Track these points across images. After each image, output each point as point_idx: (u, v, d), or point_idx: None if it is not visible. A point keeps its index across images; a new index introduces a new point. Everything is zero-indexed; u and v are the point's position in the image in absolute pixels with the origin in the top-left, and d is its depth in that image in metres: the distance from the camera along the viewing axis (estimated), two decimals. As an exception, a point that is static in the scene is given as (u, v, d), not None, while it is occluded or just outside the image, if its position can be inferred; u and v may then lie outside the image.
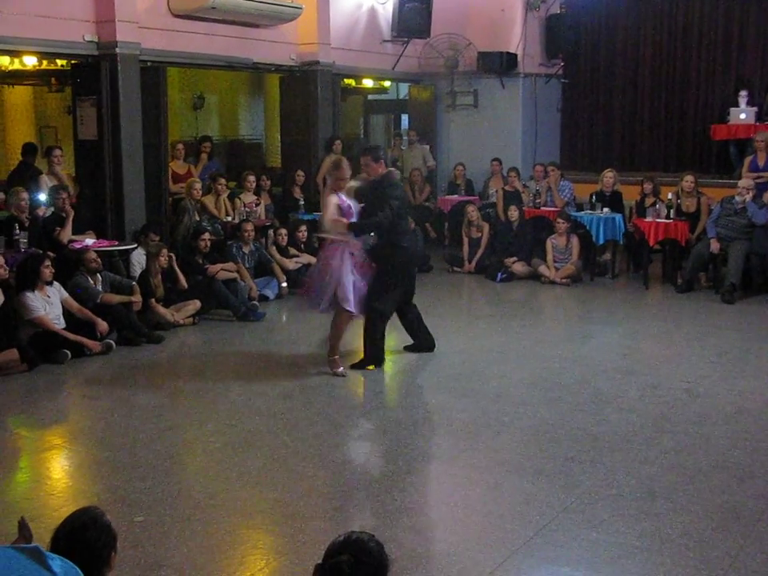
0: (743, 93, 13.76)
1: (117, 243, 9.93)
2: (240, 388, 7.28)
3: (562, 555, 4.37)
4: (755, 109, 13.67)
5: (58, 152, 10.38)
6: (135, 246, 9.91)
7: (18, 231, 8.91)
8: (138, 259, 9.77)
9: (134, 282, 9.13)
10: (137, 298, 8.81)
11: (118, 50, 10.03)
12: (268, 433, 6.17)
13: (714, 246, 10.60)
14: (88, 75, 10.25)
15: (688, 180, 11.45)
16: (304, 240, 11.33)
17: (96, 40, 10.08)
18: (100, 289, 8.74)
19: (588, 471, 5.41)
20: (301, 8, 12.13)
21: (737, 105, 13.77)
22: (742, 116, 13.62)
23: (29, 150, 11.20)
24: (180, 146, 12.22)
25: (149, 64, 10.69)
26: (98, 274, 8.77)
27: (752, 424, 6.28)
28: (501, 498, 5.13)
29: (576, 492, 5.09)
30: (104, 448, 5.95)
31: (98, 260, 8.79)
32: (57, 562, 2.56)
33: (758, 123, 13.45)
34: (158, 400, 6.98)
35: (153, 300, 9.09)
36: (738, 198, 10.57)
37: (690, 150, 14.99)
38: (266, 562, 4.37)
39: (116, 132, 10.21)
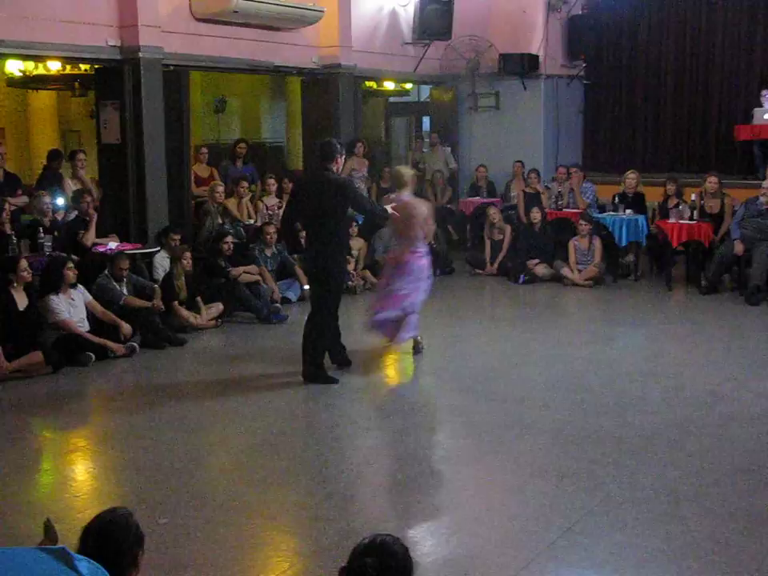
0: (766, 92, 13.66)
1: (140, 246, 9.98)
2: (263, 390, 7.29)
3: (587, 558, 4.35)
4: (779, 109, 13.57)
5: (81, 156, 10.45)
6: (158, 248, 9.96)
7: (42, 235, 8.98)
8: (161, 262, 9.81)
9: (155, 285, 9.17)
10: (158, 301, 8.85)
11: (140, 55, 10.07)
12: (291, 435, 6.19)
13: (739, 248, 10.52)
14: (111, 79, 10.30)
15: (711, 181, 11.38)
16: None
17: (119, 44, 10.13)
18: (125, 292, 8.79)
19: (612, 474, 5.38)
20: (322, 11, 12.15)
21: (760, 105, 13.67)
22: (766, 116, 13.52)
23: (54, 156, 11.28)
24: (204, 149, 12.25)
25: (171, 68, 10.72)
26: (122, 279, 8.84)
27: (778, 427, 6.24)
28: (524, 500, 5.11)
29: (600, 495, 5.06)
30: (128, 450, 5.98)
31: (127, 269, 8.84)
32: (83, 564, 2.57)
33: (782, 123, 13.35)
34: (181, 402, 7.00)
35: (176, 303, 9.13)
36: (762, 199, 10.49)
37: (713, 150, 14.89)
38: (290, 564, 4.37)
39: (139, 136, 10.25)
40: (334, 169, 7.36)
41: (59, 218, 9.57)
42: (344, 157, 7.57)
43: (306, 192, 7.41)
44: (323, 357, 7.50)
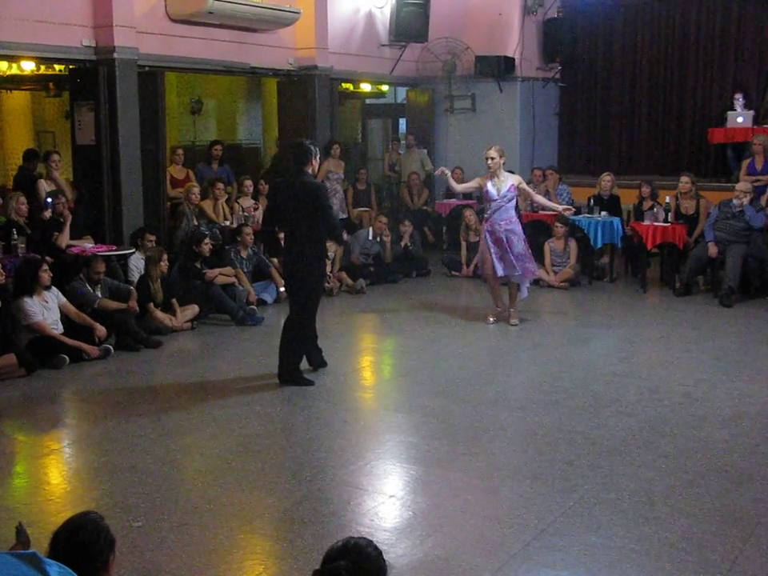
0: (740, 96, 13.78)
1: (115, 248, 9.93)
2: (238, 392, 7.27)
3: (561, 559, 4.36)
4: (752, 112, 13.69)
5: (55, 157, 10.38)
6: (133, 250, 9.92)
7: (15, 236, 8.92)
8: (136, 264, 9.78)
9: (130, 287, 9.12)
10: (133, 303, 8.81)
11: (115, 55, 10.03)
12: (266, 437, 6.17)
13: (712, 250, 10.60)
14: (86, 80, 10.26)
15: (684, 181, 11.47)
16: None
17: (94, 45, 10.09)
18: (99, 294, 8.74)
19: (586, 475, 5.40)
20: (299, 12, 12.15)
21: (734, 108, 13.79)
22: (739, 119, 13.64)
23: (30, 156, 11.21)
24: (179, 150, 12.20)
25: (146, 69, 10.69)
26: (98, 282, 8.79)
27: (750, 427, 6.28)
28: (499, 502, 5.12)
29: (574, 496, 5.09)
30: (102, 453, 5.94)
31: (103, 272, 8.79)
32: (54, 568, 2.56)
33: (755, 126, 13.47)
34: (155, 405, 6.97)
35: (151, 305, 9.09)
36: (735, 202, 10.58)
37: (687, 153, 15.01)
38: (264, 567, 4.36)
39: (114, 137, 10.21)
40: (310, 171, 7.34)
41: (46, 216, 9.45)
42: (318, 158, 7.55)
43: (282, 196, 7.37)
44: (300, 360, 7.50)
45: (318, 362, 7.74)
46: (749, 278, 10.65)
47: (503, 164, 9.29)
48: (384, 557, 2.62)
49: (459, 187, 9.72)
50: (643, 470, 5.48)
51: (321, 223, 7.19)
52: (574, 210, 10.75)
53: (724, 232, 10.60)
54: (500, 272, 9.24)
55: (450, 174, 9.54)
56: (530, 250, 9.42)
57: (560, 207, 10.14)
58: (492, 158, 9.13)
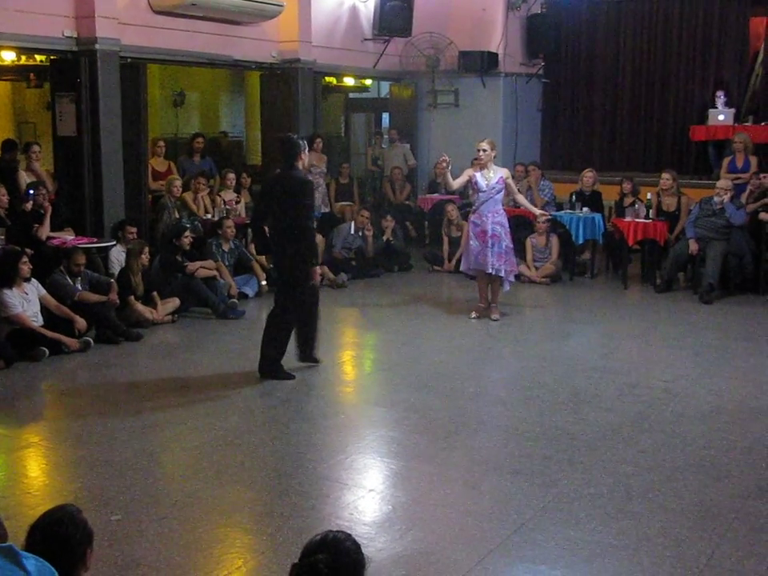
0: (721, 94, 13.85)
1: (95, 240, 9.88)
2: (218, 386, 7.25)
3: (540, 554, 4.38)
4: (733, 110, 13.77)
5: (36, 148, 10.30)
6: (114, 243, 9.87)
7: (-6, 228, 8.86)
8: (117, 256, 9.73)
9: (111, 280, 9.08)
10: (114, 296, 8.76)
11: (97, 46, 9.96)
12: (246, 431, 6.16)
13: (693, 247, 10.65)
14: (67, 71, 10.18)
15: (665, 177, 11.53)
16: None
17: (75, 36, 10.01)
18: (79, 287, 8.69)
19: (566, 470, 5.43)
20: (282, 5, 12.10)
21: (715, 106, 13.85)
22: (721, 117, 13.71)
23: (8, 147, 11.12)
24: (161, 143, 12.15)
25: (129, 60, 10.63)
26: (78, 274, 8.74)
27: (728, 423, 6.32)
28: (479, 496, 5.14)
29: (554, 491, 5.11)
30: (81, 446, 5.92)
31: (83, 264, 8.73)
32: (31, 561, 2.55)
33: (736, 124, 13.55)
34: (135, 398, 6.95)
35: (132, 298, 9.05)
36: (716, 199, 10.62)
37: (669, 150, 15.06)
38: (244, 561, 4.36)
39: (95, 129, 10.15)
40: (299, 166, 7.31)
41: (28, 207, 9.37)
42: (307, 152, 7.51)
43: (273, 191, 7.34)
44: (282, 354, 7.48)
45: (310, 358, 7.68)
46: (729, 274, 10.69)
47: (494, 157, 9.36)
48: (363, 550, 2.62)
49: (456, 184, 9.57)
50: (622, 465, 5.50)
51: (298, 218, 7.13)
52: (548, 216, 10.81)
53: (704, 229, 10.65)
54: (476, 266, 9.30)
55: (449, 167, 9.39)
56: (512, 245, 9.45)
57: (537, 211, 10.15)
58: (484, 150, 9.19)
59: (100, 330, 8.58)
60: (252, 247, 10.97)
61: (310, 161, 12.60)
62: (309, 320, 7.56)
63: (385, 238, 12.53)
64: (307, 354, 7.63)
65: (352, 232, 12.11)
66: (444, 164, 9.44)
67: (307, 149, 7.49)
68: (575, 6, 15.51)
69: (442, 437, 6.08)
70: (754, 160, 12.23)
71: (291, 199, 7.13)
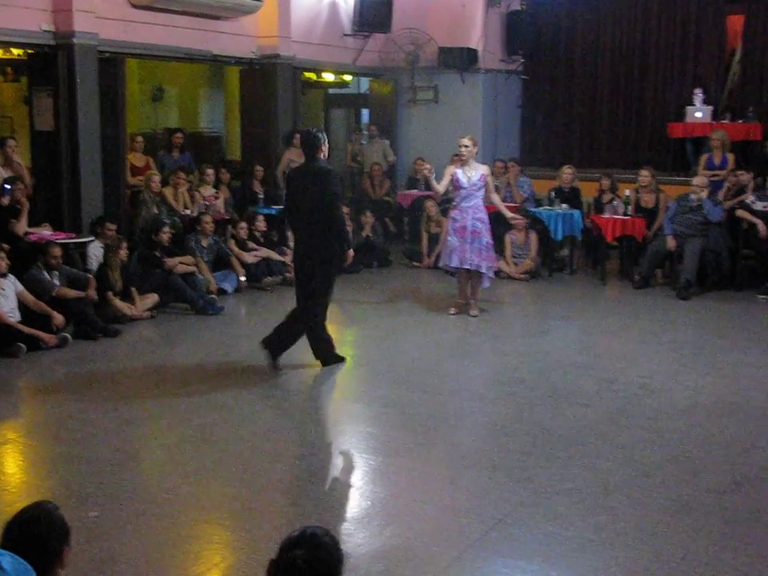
0: (699, 91, 13.92)
1: (73, 236, 9.83)
2: (197, 382, 7.24)
3: (518, 549, 4.40)
4: (711, 107, 13.84)
5: (12, 142, 10.21)
6: (92, 238, 9.82)
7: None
8: (95, 252, 9.68)
9: (89, 276, 9.04)
10: (92, 292, 8.72)
11: (75, 40, 9.92)
12: (225, 427, 6.15)
13: (671, 244, 10.71)
14: (45, 65, 10.13)
15: (644, 174, 11.61)
16: (263, 233, 11.28)
17: (53, 30, 9.96)
18: (56, 282, 8.64)
19: (544, 465, 5.45)
20: (261, 1, 12.07)
21: (693, 103, 13.93)
22: (698, 114, 13.78)
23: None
24: (139, 138, 12.09)
25: (107, 55, 10.58)
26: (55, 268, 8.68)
27: (705, 418, 6.37)
28: (457, 492, 5.16)
29: (532, 486, 5.13)
30: (59, 443, 5.90)
31: (60, 257, 8.68)
32: (7, 559, 2.53)
33: (713, 122, 13.62)
34: (113, 394, 6.91)
35: (110, 293, 9.01)
36: (693, 196, 10.68)
37: (647, 147, 15.11)
38: (222, 557, 4.36)
39: (73, 123, 10.10)
40: (321, 157, 7.42)
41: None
42: (327, 144, 7.57)
43: (296, 183, 7.45)
44: (331, 339, 7.57)
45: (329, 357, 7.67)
46: (706, 271, 10.76)
47: (475, 153, 9.39)
48: (341, 546, 2.62)
49: (442, 187, 9.48)
50: (600, 461, 5.53)
51: (326, 209, 7.17)
52: (520, 221, 10.78)
53: (682, 226, 10.71)
54: (455, 263, 9.29)
55: (434, 175, 9.46)
56: (492, 241, 9.47)
57: (509, 214, 10.07)
58: (466, 146, 9.22)
59: (78, 325, 8.54)
60: (232, 243, 10.97)
61: (289, 156, 12.67)
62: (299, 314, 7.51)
63: (364, 234, 12.53)
64: (275, 347, 7.51)
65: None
66: (426, 171, 9.46)
67: (327, 141, 7.57)
68: (554, 3, 15.55)
69: (420, 432, 6.09)
70: (731, 157, 12.31)
71: (318, 189, 7.20)
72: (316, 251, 7.28)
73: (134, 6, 10.87)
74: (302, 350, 7.83)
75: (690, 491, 5.07)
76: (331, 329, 9.52)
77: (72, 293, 8.62)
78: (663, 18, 14.84)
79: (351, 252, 7.57)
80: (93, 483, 5.14)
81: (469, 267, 9.26)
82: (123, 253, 9.24)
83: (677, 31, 14.74)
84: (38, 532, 2.75)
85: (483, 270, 9.32)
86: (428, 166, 9.53)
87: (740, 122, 13.61)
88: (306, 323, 7.46)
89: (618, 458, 5.57)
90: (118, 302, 9.07)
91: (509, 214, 10.02)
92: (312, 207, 7.21)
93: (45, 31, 9.91)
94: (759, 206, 10.65)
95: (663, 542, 4.44)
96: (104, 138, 10.46)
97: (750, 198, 10.90)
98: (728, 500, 4.96)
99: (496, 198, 9.87)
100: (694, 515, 4.75)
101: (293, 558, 2.47)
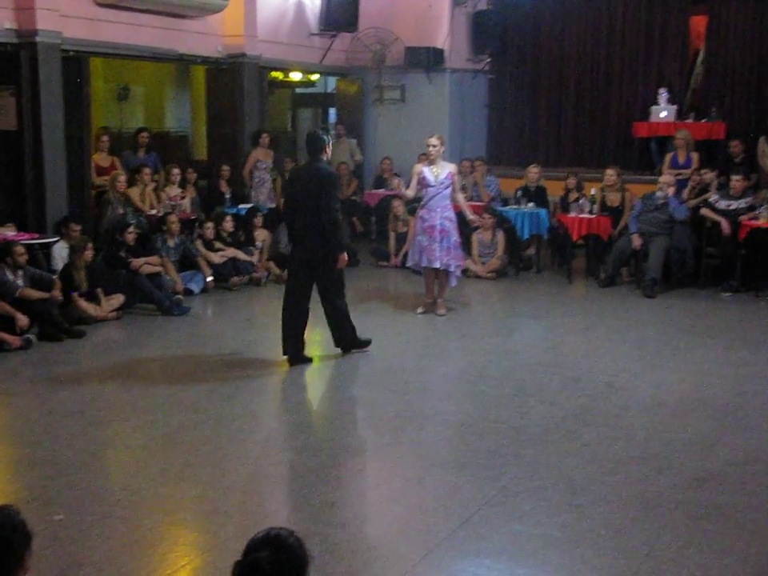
0: (663, 91, 14.04)
1: (38, 236, 9.73)
2: (163, 383, 7.20)
3: (485, 547, 4.41)
4: (675, 107, 13.97)
5: (-28, 142, 10.14)
6: (57, 239, 9.73)
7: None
8: (60, 252, 9.60)
9: (54, 277, 8.95)
10: (57, 293, 8.64)
11: (38, 39, 9.81)
12: (191, 428, 6.12)
13: (636, 242, 10.79)
14: (7, 64, 10.01)
15: (609, 173, 11.68)
16: (230, 233, 11.23)
17: (15, 28, 9.85)
18: (20, 283, 8.55)
19: (511, 464, 5.47)
20: (227, 0, 12.02)
21: (657, 103, 14.05)
22: (663, 114, 13.90)
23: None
24: (104, 137, 11.98)
25: (71, 53, 10.48)
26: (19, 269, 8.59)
27: (669, 416, 6.42)
28: (424, 491, 5.17)
29: (498, 485, 5.14)
30: (23, 445, 5.84)
31: (25, 255, 8.59)
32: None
33: (677, 121, 13.75)
34: (78, 396, 6.85)
35: (75, 294, 8.93)
36: (658, 194, 10.77)
37: (612, 146, 15.22)
38: (189, 559, 4.34)
39: (36, 122, 9.99)
40: (324, 159, 7.68)
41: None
42: (331, 145, 7.87)
43: (298, 182, 7.70)
44: (353, 326, 7.85)
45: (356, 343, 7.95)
46: (671, 269, 10.85)
47: (443, 152, 9.43)
48: (306, 547, 2.62)
49: (412, 190, 9.50)
50: (566, 459, 5.56)
51: (322, 211, 7.35)
52: (479, 222, 10.72)
53: (647, 224, 10.79)
54: (424, 262, 9.30)
55: (404, 189, 9.63)
56: (460, 240, 9.50)
57: (470, 216, 9.98)
58: (434, 146, 9.26)
59: (42, 327, 8.45)
60: (198, 243, 10.91)
61: (256, 156, 12.65)
62: (336, 310, 7.81)
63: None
64: (295, 348, 7.70)
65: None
66: (396, 185, 9.52)
67: (331, 142, 7.83)
68: (520, 3, 15.60)
69: (387, 432, 6.09)
70: (695, 156, 12.44)
71: (320, 190, 7.39)
72: (316, 250, 7.47)
73: (99, 5, 10.78)
74: (266, 351, 7.81)
75: (654, 488, 5.11)
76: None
77: (36, 294, 8.52)
78: (628, 18, 14.97)
79: (345, 256, 7.67)
80: (57, 486, 5.09)
81: (438, 266, 9.28)
82: (88, 253, 9.16)
83: (641, 32, 14.87)
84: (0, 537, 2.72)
85: (452, 269, 9.35)
86: (396, 181, 9.58)
87: (703, 121, 13.75)
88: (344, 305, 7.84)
89: (583, 456, 5.61)
90: (83, 303, 8.99)
91: (470, 216, 9.91)
92: (313, 207, 7.39)
93: (7, 29, 9.79)
94: (722, 204, 10.75)
95: (628, 539, 4.48)
96: (68, 137, 10.37)
97: (713, 196, 11.00)
98: (692, 496, 5.01)
99: (460, 198, 9.85)
100: (658, 511, 4.79)
101: (257, 560, 2.46)
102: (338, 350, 7.90)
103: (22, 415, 6.44)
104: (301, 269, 7.62)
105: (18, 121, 10.04)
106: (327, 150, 7.67)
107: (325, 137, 7.68)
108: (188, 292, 10.32)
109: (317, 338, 8.84)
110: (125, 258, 9.69)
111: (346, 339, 7.87)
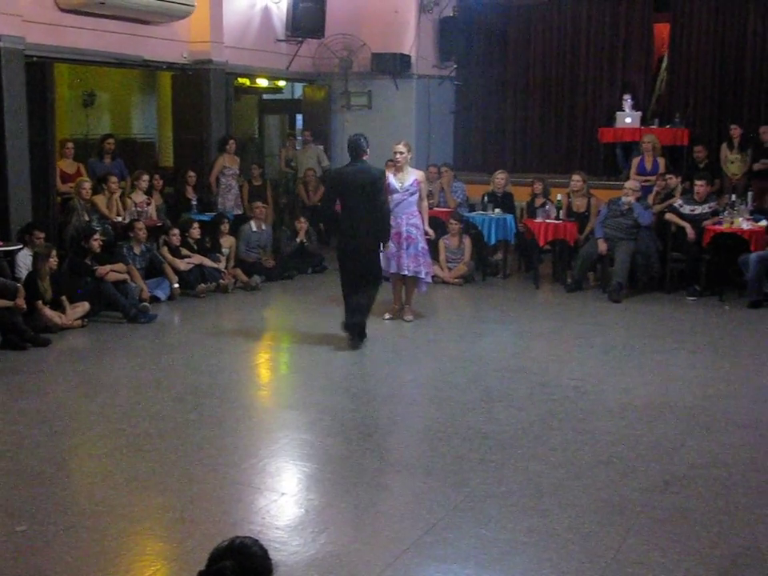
0: (628, 97, 14.17)
1: (1, 244, 9.63)
2: (129, 391, 7.15)
3: (452, 553, 4.41)
4: (640, 113, 14.10)
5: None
6: (20, 246, 9.63)
7: None
8: (24, 260, 9.49)
9: (18, 285, 8.86)
10: (20, 301, 8.55)
11: (0, 44, 9.71)
12: (157, 437, 6.08)
13: (602, 247, 10.86)
14: (-31, 70, 9.91)
15: (575, 179, 11.75)
16: (196, 240, 11.18)
17: (-24, 33, 9.76)
18: (-17, 291, 8.46)
19: (477, 469, 5.48)
20: (192, 5, 11.96)
21: (622, 109, 14.17)
22: (628, 120, 14.02)
23: None
24: (69, 144, 11.88)
25: (34, 59, 10.39)
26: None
27: (635, 420, 6.46)
28: (391, 497, 5.16)
29: (465, 490, 5.15)
30: (-15, 455, 5.77)
31: None
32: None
33: (642, 127, 13.87)
34: (43, 405, 6.79)
35: (40, 302, 8.85)
36: (624, 199, 10.86)
37: (578, 152, 15.34)
38: (154, 569, 4.30)
39: (0, 129, 9.89)
40: (366, 159, 8.44)
41: None
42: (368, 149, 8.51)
43: (346, 182, 8.39)
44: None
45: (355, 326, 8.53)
46: (636, 273, 10.94)
47: (410, 159, 9.48)
48: (271, 555, 2.61)
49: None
50: (533, 464, 5.58)
51: (376, 205, 8.30)
52: (432, 236, 10.59)
53: (613, 229, 10.87)
54: (393, 269, 9.30)
55: None
56: (427, 246, 9.51)
57: (426, 227, 9.63)
58: (401, 153, 9.29)
59: (6, 335, 8.36)
60: (165, 250, 10.84)
61: (222, 162, 12.61)
62: (368, 293, 8.49)
63: (299, 239, 12.48)
64: (356, 323, 8.47)
65: (254, 230, 12.00)
66: None
67: (368, 146, 8.52)
68: (486, 10, 15.68)
69: (354, 439, 6.08)
70: (662, 161, 12.56)
71: (374, 187, 8.29)
72: (367, 240, 8.34)
73: (62, 10, 10.70)
74: (233, 357, 7.77)
75: (620, 491, 5.15)
76: (266, 335, 9.52)
77: (0, 302, 8.44)
78: (593, 25, 15.11)
79: (390, 244, 8.83)
80: (21, 496, 5.04)
81: (407, 273, 9.29)
82: (53, 261, 9.08)
83: (606, 38, 15.02)
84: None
85: (422, 276, 9.36)
86: None
87: (667, 127, 13.89)
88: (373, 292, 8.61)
89: (550, 461, 5.63)
90: (48, 311, 8.91)
91: (426, 227, 9.76)
92: (366, 203, 8.24)
93: (-32, 35, 9.70)
94: (687, 209, 10.85)
95: (595, 543, 4.50)
96: (32, 144, 10.26)
97: (678, 201, 11.11)
98: (657, 499, 5.04)
99: (424, 206, 9.80)
100: (624, 515, 4.82)
101: (221, 569, 2.46)
102: (305, 359, 7.87)
103: (-15, 425, 6.36)
104: (350, 260, 8.40)
105: (-20, 127, 9.93)
106: (367, 151, 8.44)
107: (363, 141, 8.43)
108: (155, 299, 10.25)
109: (284, 344, 8.84)
110: (90, 266, 9.61)
111: (362, 326, 8.51)
